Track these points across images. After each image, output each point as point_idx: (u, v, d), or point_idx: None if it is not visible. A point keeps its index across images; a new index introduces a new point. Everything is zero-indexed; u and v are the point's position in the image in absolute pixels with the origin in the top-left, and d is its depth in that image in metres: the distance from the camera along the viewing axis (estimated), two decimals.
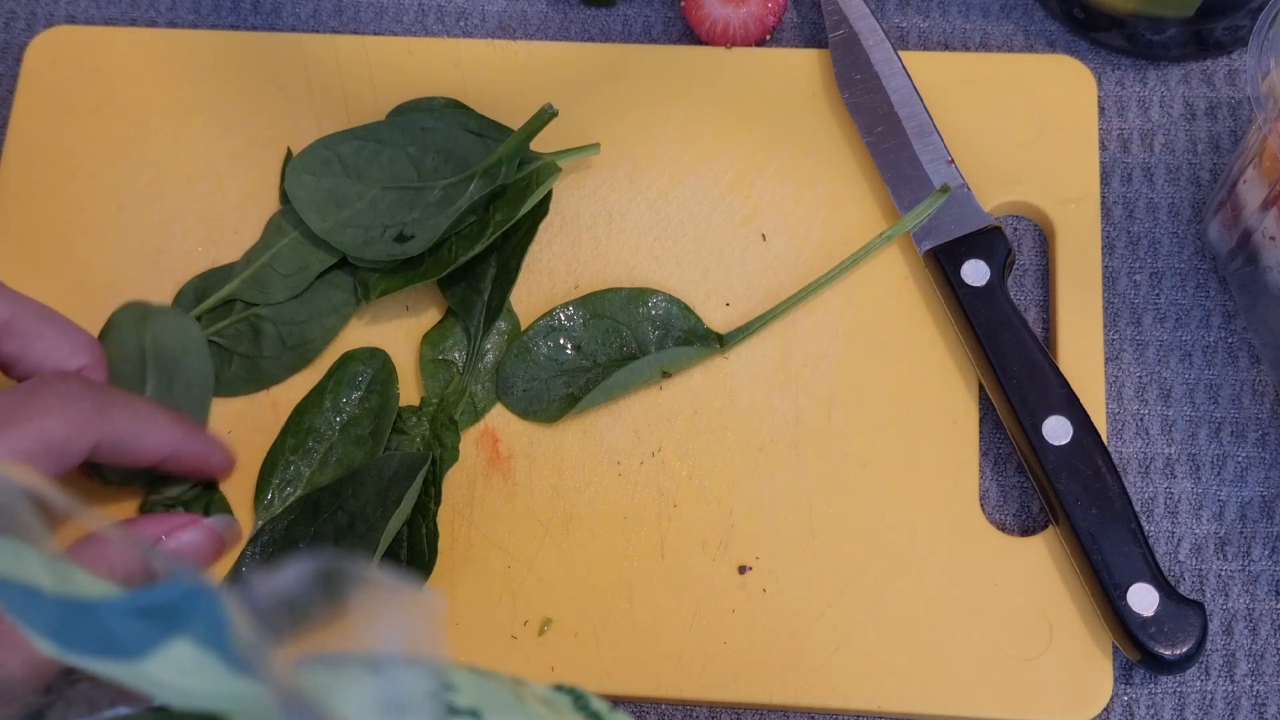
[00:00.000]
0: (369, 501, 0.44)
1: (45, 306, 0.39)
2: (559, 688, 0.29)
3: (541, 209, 0.48)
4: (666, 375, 0.47)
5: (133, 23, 0.55)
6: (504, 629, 0.44)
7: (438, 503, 0.45)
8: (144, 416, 0.39)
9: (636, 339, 0.47)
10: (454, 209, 0.47)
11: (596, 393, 0.46)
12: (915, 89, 0.49)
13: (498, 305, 0.47)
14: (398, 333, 0.48)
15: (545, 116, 0.46)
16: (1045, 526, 0.45)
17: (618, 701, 0.44)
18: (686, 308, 0.47)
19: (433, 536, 0.44)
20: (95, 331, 0.48)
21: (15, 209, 0.51)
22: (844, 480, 0.46)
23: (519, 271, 0.48)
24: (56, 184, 0.51)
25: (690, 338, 0.47)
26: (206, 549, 0.41)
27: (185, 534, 0.40)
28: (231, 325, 0.48)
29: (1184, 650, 0.42)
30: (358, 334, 0.48)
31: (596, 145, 0.49)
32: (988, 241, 0.46)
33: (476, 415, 0.47)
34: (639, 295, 0.47)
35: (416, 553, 0.44)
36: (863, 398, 0.46)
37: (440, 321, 0.48)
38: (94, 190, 0.51)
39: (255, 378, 0.48)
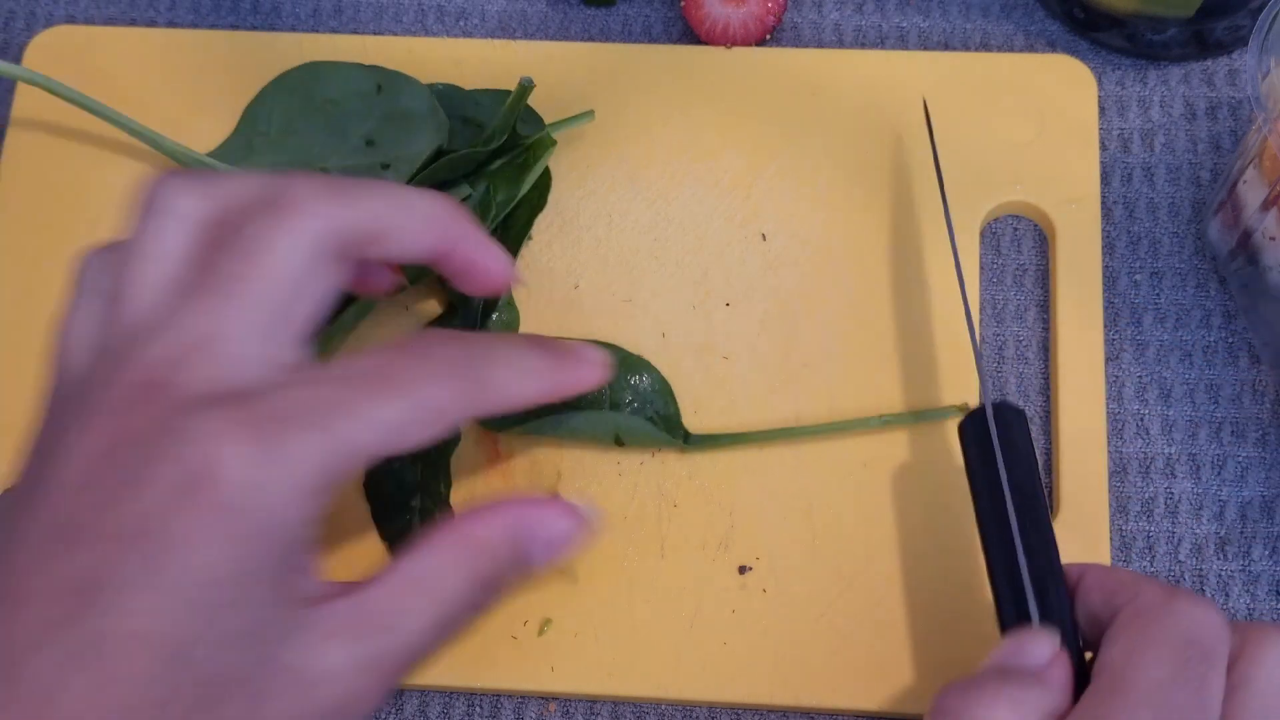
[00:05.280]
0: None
1: (395, 195, 0.36)
2: None
3: (539, 203, 0.48)
4: (620, 443, 0.46)
5: (133, 23, 0.55)
6: (504, 629, 0.44)
7: (448, 486, 0.45)
8: (516, 368, 0.37)
9: (611, 397, 0.46)
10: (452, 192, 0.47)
11: (548, 423, 0.45)
12: None
13: (494, 299, 0.47)
14: (398, 333, 0.48)
15: (524, 90, 0.46)
16: None
17: (618, 702, 0.44)
18: (670, 395, 0.46)
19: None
20: None
21: (15, 209, 0.51)
22: (844, 480, 0.46)
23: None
24: (56, 184, 0.51)
25: (660, 421, 0.46)
26: (577, 537, 0.39)
27: (559, 524, 0.37)
28: None
29: None
30: (358, 334, 0.48)
31: (591, 113, 0.49)
32: None
33: None
34: (634, 364, 0.46)
35: None
36: (863, 397, 0.46)
37: (440, 316, 0.48)
38: (93, 190, 0.51)
39: None
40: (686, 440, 0.46)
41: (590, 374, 0.38)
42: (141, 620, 0.31)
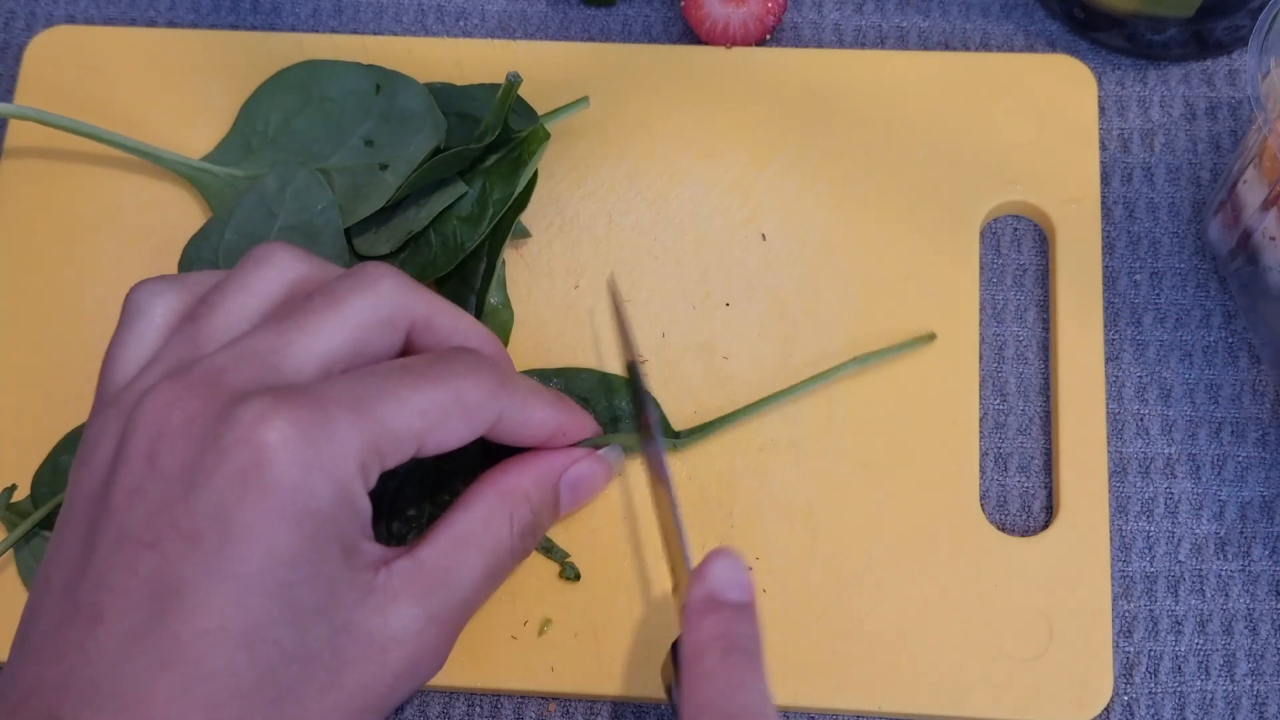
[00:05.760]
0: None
1: (455, 306, 0.40)
2: None
3: (522, 202, 0.48)
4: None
5: (133, 23, 0.55)
6: (504, 629, 0.44)
7: (452, 493, 0.45)
8: (533, 392, 0.40)
9: (597, 419, 0.45)
10: (447, 192, 0.47)
11: None
12: None
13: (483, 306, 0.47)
14: None
15: (511, 85, 0.46)
16: (1045, 526, 0.45)
17: (618, 702, 0.44)
18: (653, 402, 0.46)
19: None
20: (92, 340, 0.48)
21: (15, 209, 0.51)
22: (844, 480, 0.46)
23: (495, 267, 0.47)
24: (56, 184, 0.51)
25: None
26: (601, 478, 0.44)
27: (584, 465, 0.42)
28: None
29: None
30: None
31: (585, 99, 0.49)
32: None
33: None
34: (612, 384, 0.46)
35: None
36: (863, 398, 0.46)
37: None
38: (93, 190, 0.51)
39: None
40: (677, 437, 0.46)
41: (587, 426, 0.43)
42: (218, 615, 0.32)
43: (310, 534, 0.33)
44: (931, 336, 0.46)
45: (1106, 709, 0.44)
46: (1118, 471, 0.46)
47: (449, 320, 0.39)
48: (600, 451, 0.44)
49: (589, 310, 0.48)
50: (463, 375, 0.37)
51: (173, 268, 0.49)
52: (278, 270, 0.38)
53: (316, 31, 0.54)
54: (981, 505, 0.46)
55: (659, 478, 0.42)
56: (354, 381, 0.35)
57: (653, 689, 0.44)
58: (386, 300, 0.37)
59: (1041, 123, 0.49)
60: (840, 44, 0.52)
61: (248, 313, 0.37)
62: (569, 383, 0.46)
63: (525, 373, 0.46)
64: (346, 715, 0.34)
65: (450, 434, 0.37)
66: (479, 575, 0.38)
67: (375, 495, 0.36)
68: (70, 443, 0.47)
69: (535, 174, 0.48)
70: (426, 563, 0.36)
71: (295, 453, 0.32)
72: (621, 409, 0.46)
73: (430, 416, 0.36)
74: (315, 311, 0.36)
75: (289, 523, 0.32)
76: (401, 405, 0.35)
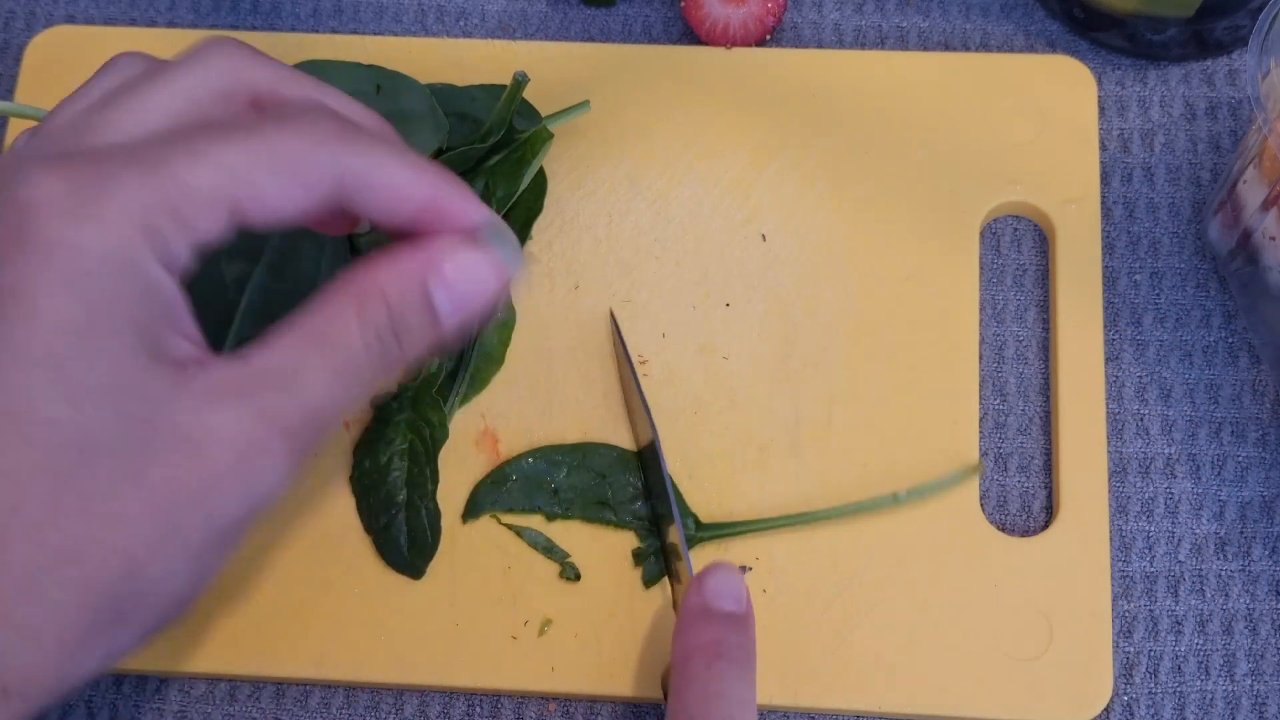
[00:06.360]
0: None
1: (314, 79, 0.36)
2: None
3: (536, 206, 0.48)
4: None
5: (133, 23, 0.55)
6: (504, 629, 0.44)
7: (435, 482, 0.45)
8: (393, 150, 0.34)
9: (613, 497, 0.45)
10: None
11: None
12: None
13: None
14: None
15: (518, 84, 0.46)
16: (1045, 526, 0.45)
17: (618, 702, 0.44)
18: (674, 488, 0.45)
19: (433, 515, 0.45)
20: None
21: None
22: (844, 480, 0.46)
23: None
24: None
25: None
26: (489, 277, 0.35)
27: (460, 257, 0.34)
28: None
29: None
30: None
31: (586, 103, 0.49)
32: None
33: (469, 395, 0.47)
34: (631, 461, 0.46)
35: (417, 534, 0.44)
36: (863, 398, 0.46)
37: None
38: None
39: None
40: (698, 528, 0.45)
41: (471, 202, 0.35)
42: None
43: (86, 302, 0.30)
44: (977, 467, 0.45)
45: (1106, 709, 0.44)
46: (1118, 471, 0.46)
47: (300, 90, 0.36)
48: (499, 253, 0.35)
49: (590, 313, 0.48)
50: (286, 128, 0.33)
51: None
52: (119, 70, 0.36)
53: (316, 31, 0.54)
54: (981, 505, 0.46)
55: (681, 561, 0.42)
56: (147, 143, 0.32)
57: (652, 690, 0.44)
58: (216, 71, 0.34)
59: (1041, 123, 0.49)
60: (840, 44, 0.52)
61: (82, 106, 0.35)
62: (585, 458, 0.46)
63: (533, 452, 0.46)
64: (161, 511, 0.31)
65: (274, 195, 0.32)
66: (323, 378, 0.33)
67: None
68: None
69: (545, 180, 0.48)
70: (256, 363, 0.33)
71: (61, 208, 0.30)
72: (639, 486, 0.45)
73: (240, 173, 0.31)
74: (136, 88, 0.34)
75: (58, 284, 0.30)
76: (199, 159, 0.31)
